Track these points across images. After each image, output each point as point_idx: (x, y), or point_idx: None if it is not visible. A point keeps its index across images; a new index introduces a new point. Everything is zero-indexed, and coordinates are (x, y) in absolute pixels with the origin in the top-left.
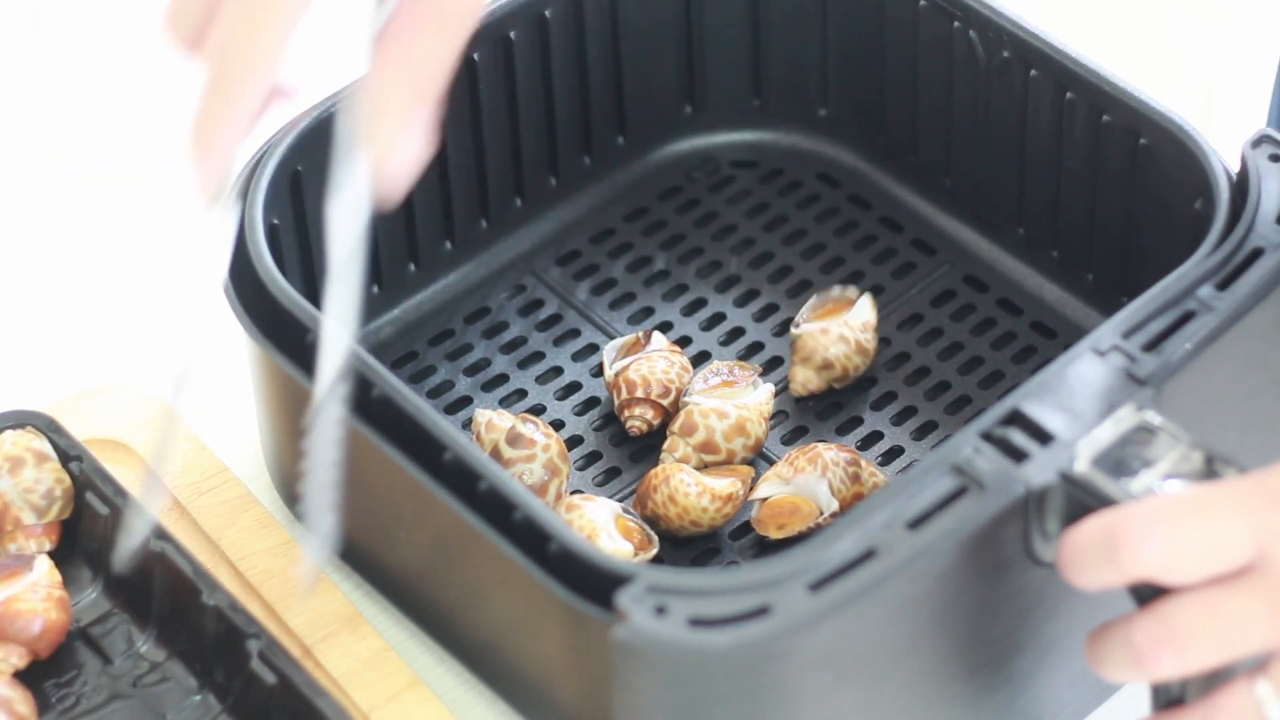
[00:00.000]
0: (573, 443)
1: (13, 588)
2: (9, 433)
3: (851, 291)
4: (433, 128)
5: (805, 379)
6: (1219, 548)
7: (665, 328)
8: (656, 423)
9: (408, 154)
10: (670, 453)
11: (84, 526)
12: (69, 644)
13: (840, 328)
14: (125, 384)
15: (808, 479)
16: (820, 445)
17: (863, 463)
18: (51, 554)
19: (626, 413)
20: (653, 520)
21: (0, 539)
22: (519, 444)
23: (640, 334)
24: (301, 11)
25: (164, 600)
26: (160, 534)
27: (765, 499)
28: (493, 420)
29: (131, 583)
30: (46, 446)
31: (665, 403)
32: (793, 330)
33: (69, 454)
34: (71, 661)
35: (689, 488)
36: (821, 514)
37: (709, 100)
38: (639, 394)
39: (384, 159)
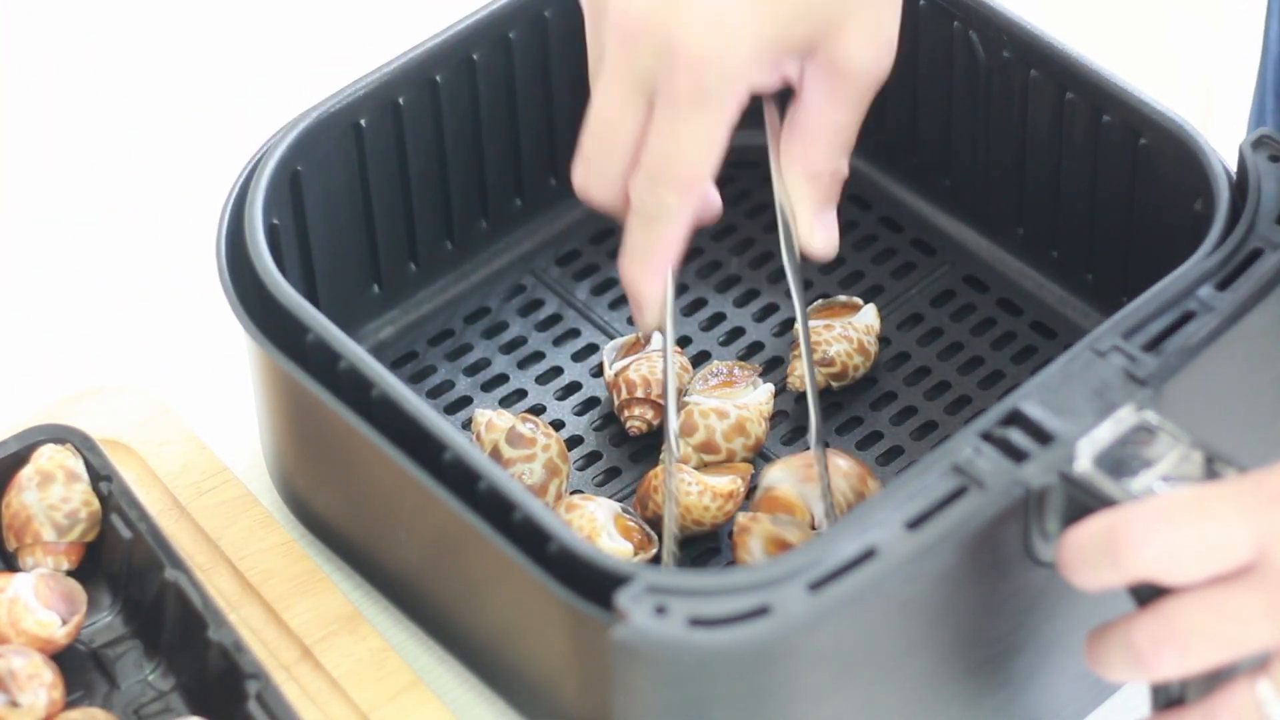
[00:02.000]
0: (573, 443)
1: None
2: (47, 447)
3: (856, 299)
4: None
5: (804, 372)
6: (1220, 548)
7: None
8: (656, 423)
9: (828, 239)
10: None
11: (107, 549)
12: (79, 664)
13: (844, 327)
14: (125, 384)
15: (813, 492)
16: (841, 460)
17: (870, 483)
18: (72, 574)
19: (626, 413)
20: (654, 521)
21: (20, 552)
22: (519, 444)
23: (640, 334)
24: (732, 115)
25: (174, 631)
26: (175, 563)
27: (771, 489)
28: (492, 420)
29: (147, 610)
30: (81, 467)
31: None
32: (796, 326)
33: (100, 473)
34: (79, 681)
35: (690, 487)
36: (813, 528)
37: None
38: (639, 394)
39: (810, 243)
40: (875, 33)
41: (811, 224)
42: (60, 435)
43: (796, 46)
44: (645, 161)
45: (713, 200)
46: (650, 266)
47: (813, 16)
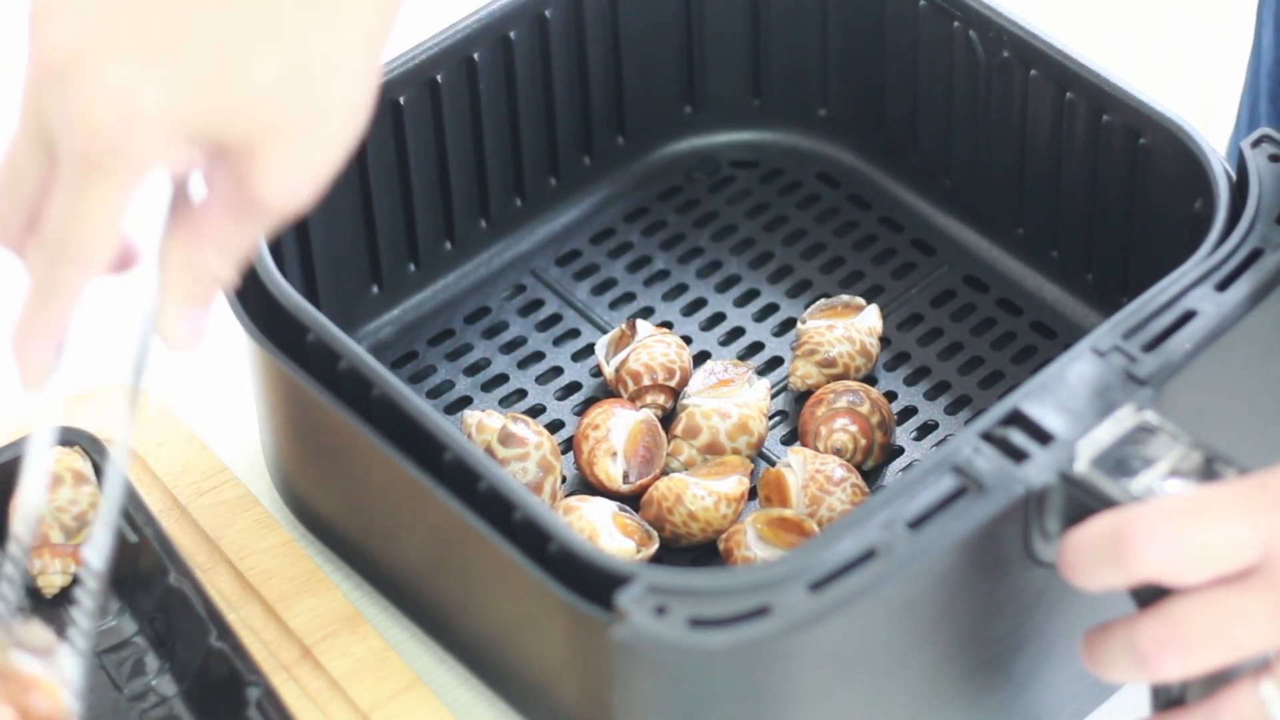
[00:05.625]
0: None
1: None
2: (55, 449)
3: (859, 299)
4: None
5: (805, 373)
6: (1224, 549)
7: (665, 328)
8: (670, 406)
9: (187, 337)
10: (674, 456)
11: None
12: (85, 666)
13: (846, 329)
14: (125, 384)
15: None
16: (832, 494)
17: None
18: (78, 577)
19: (639, 403)
20: (675, 539)
21: (28, 553)
22: (511, 443)
23: (624, 325)
24: (133, 190)
25: (178, 637)
26: (181, 569)
27: (780, 474)
28: (482, 421)
29: (152, 615)
30: (89, 470)
31: (673, 384)
32: (798, 325)
33: None
34: (83, 685)
35: (705, 500)
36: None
37: (709, 100)
38: (646, 381)
39: (166, 333)
40: (294, 173)
41: (173, 317)
42: (69, 438)
43: (210, 144)
44: (44, 233)
45: (130, 254)
46: (42, 338)
47: (236, 127)
